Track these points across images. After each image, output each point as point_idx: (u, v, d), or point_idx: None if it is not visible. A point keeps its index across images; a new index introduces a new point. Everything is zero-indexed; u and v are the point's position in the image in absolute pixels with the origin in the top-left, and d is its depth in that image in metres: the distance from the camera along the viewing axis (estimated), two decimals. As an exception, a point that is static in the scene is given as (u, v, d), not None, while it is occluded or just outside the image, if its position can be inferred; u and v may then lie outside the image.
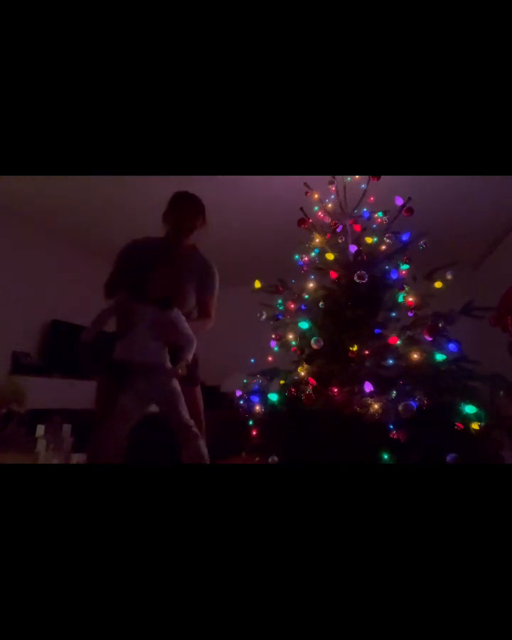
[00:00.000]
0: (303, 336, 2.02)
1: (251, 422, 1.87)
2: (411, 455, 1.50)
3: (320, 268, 2.20)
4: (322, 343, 1.82)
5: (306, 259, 2.24)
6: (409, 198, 2.10)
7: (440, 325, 1.75)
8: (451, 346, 1.76)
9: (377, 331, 1.91)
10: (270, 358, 2.20)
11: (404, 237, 2.07)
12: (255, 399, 1.91)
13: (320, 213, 2.32)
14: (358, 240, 2.17)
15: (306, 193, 2.33)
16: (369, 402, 1.57)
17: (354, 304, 1.96)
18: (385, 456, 1.51)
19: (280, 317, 2.16)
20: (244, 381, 2.11)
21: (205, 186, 3.00)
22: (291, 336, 2.07)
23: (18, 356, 3.58)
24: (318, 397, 1.70)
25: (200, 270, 1.64)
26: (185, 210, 1.62)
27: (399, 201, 2.13)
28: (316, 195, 2.32)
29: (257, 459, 1.82)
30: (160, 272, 1.44)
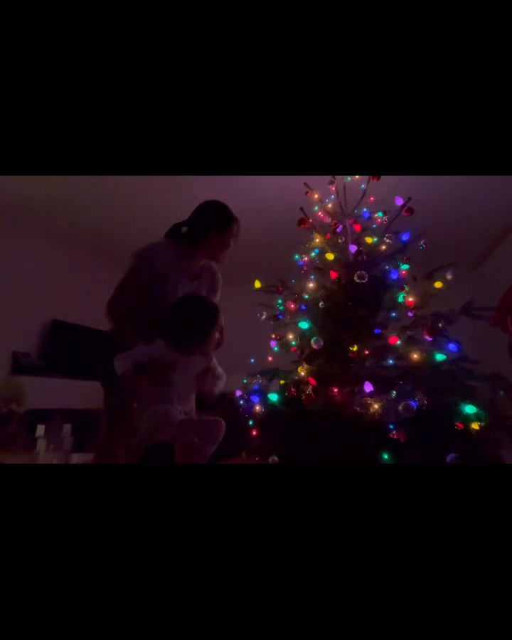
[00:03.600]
0: (303, 336, 2.02)
1: (251, 422, 1.87)
2: (411, 455, 1.50)
3: (320, 268, 2.20)
4: (322, 343, 1.82)
5: (306, 259, 2.24)
6: (409, 198, 2.10)
7: (440, 325, 1.75)
8: (451, 346, 1.76)
9: (377, 331, 1.91)
10: (270, 358, 2.20)
11: (404, 237, 2.07)
12: (255, 399, 1.91)
13: (320, 213, 2.32)
14: (358, 240, 2.17)
15: (306, 193, 2.33)
16: (369, 402, 1.57)
17: (354, 304, 1.96)
18: (385, 456, 1.51)
19: (280, 317, 2.16)
20: (244, 381, 2.11)
21: (205, 186, 3.01)
22: (291, 336, 2.07)
23: (18, 356, 3.58)
24: (318, 397, 1.70)
25: (212, 278, 1.62)
26: (228, 249, 1.51)
27: (399, 201, 2.13)
28: (316, 195, 2.32)
29: (257, 459, 1.82)
30: (212, 333, 1.37)
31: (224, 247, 1.50)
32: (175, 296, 1.42)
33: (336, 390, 1.72)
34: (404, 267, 2.05)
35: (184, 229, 1.54)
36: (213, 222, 1.48)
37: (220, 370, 1.47)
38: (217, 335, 1.41)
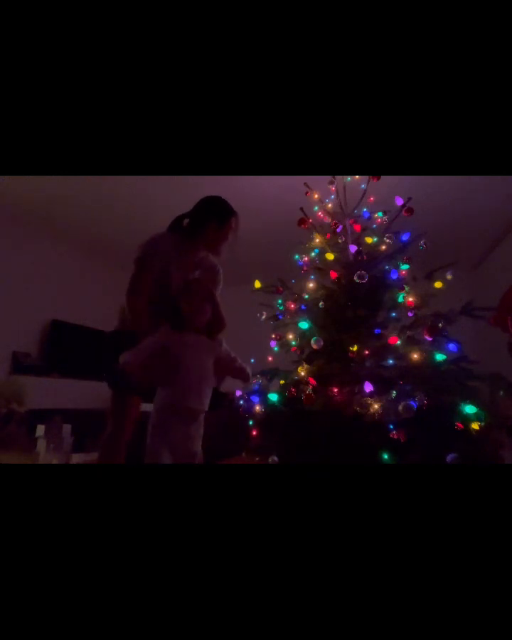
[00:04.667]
0: (303, 336, 2.02)
1: (251, 422, 1.87)
2: (411, 455, 1.50)
3: (320, 268, 2.20)
4: (322, 343, 1.82)
5: (306, 259, 2.24)
6: (410, 198, 2.10)
7: (440, 325, 1.75)
8: (451, 346, 1.76)
9: (377, 331, 1.91)
10: (270, 358, 2.20)
11: (404, 237, 2.07)
12: (255, 399, 1.91)
13: (320, 213, 2.32)
14: (358, 240, 2.17)
15: (306, 193, 2.33)
16: (369, 402, 1.57)
17: (354, 304, 1.96)
18: (385, 456, 1.51)
19: (280, 317, 2.16)
20: (245, 381, 2.11)
21: (206, 186, 3.00)
22: (291, 336, 2.07)
23: (18, 356, 3.58)
24: (318, 397, 1.70)
25: (211, 272, 1.64)
26: (228, 237, 1.56)
27: (399, 201, 2.13)
28: (316, 195, 2.32)
29: (257, 459, 1.82)
30: (194, 297, 1.35)
31: (222, 239, 1.56)
32: (179, 285, 1.44)
33: (335, 390, 1.72)
34: (404, 267, 2.05)
35: (186, 221, 1.58)
36: (213, 214, 1.54)
37: (242, 363, 1.44)
38: (205, 306, 1.37)
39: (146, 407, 1.45)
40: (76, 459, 2.73)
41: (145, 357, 1.26)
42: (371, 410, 1.55)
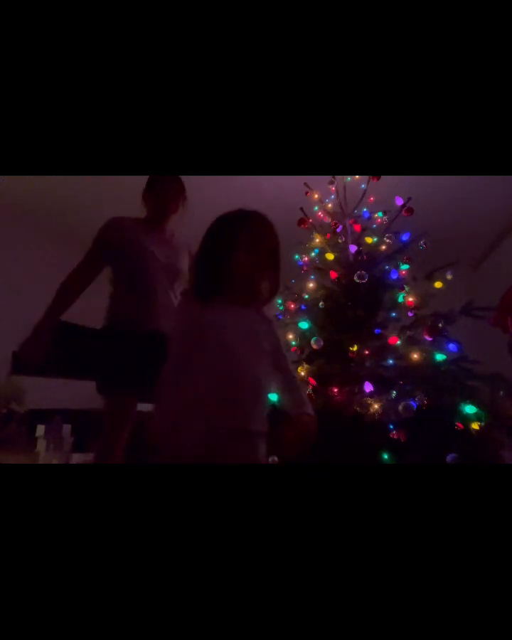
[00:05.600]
0: (303, 336, 2.02)
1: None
2: (411, 455, 1.50)
3: (320, 268, 2.20)
4: (322, 343, 1.82)
5: (306, 259, 2.24)
6: (409, 198, 2.10)
7: (440, 325, 1.75)
8: (451, 346, 1.77)
9: (377, 331, 1.91)
10: (270, 358, 2.20)
11: (404, 237, 2.07)
12: (255, 399, 1.90)
13: (320, 213, 2.32)
14: (358, 240, 2.17)
15: (306, 193, 2.34)
16: (369, 402, 1.57)
17: (354, 304, 1.97)
18: (385, 456, 1.51)
19: (280, 317, 2.16)
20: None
21: (205, 186, 3.00)
22: (291, 336, 2.07)
23: (18, 356, 3.58)
24: (318, 397, 1.70)
25: (184, 248, 1.64)
26: (164, 194, 1.62)
27: (399, 201, 2.13)
28: (316, 195, 2.32)
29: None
30: (262, 251, 0.90)
31: (147, 198, 1.65)
32: (154, 263, 1.46)
33: (335, 390, 1.72)
34: (404, 267, 2.06)
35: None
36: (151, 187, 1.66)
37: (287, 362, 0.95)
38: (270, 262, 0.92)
39: (144, 406, 1.44)
40: (76, 459, 2.74)
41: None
42: (371, 410, 1.55)
